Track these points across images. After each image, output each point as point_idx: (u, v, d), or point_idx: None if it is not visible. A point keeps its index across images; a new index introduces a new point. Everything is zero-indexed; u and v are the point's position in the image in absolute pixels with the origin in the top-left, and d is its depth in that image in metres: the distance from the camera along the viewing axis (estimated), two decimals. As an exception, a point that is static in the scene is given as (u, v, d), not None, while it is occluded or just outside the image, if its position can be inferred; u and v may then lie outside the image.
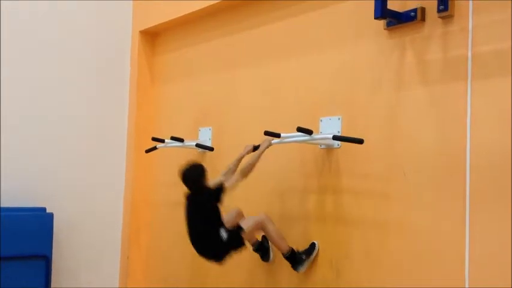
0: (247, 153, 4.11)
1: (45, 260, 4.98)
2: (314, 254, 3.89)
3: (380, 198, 3.50)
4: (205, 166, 4.04)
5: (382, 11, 3.34)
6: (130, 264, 5.69)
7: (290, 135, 3.83)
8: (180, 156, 4.90)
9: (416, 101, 3.34)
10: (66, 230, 5.38)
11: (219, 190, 3.91)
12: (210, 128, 4.96)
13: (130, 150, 5.75)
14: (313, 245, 3.91)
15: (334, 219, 3.78)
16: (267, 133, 3.85)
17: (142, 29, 5.74)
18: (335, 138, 3.57)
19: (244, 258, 4.48)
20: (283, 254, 3.93)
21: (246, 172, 3.96)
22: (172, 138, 5.02)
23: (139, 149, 5.54)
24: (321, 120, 3.89)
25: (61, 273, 5.36)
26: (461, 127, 3.08)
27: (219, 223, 3.88)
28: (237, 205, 4.58)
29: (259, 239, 4.18)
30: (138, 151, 5.57)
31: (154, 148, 5.21)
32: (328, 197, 3.85)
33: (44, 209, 5.15)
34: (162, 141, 5.13)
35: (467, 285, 3.01)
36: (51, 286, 5.06)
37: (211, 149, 4.84)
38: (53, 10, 5.46)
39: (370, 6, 3.43)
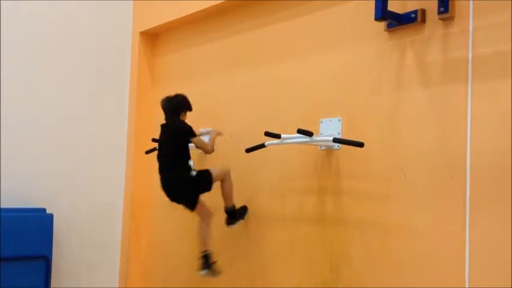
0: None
1: (45, 261, 4.97)
2: (245, 215, 4.38)
3: (380, 199, 3.51)
4: (188, 100, 4.37)
5: (382, 13, 3.35)
6: (130, 265, 5.69)
7: (290, 136, 3.83)
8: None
9: (417, 102, 3.34)
10: (66, 231, 5.38)
11: (191, 128, 4.22)
12: (210, 129, 4.96)
13: (130, 151, 5.75)
14: (246, 208, 4.40)
15: (334, 220, 3.79)
16: (267, 134, 3.86)
17: (143, 30, 5.74)
18: (335, 140, 3.57)
19: (243, 257, 4.49)
20: (227, 206, 4.32)
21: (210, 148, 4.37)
22: (172, 139, 5.01)
23: (139, 150, 5.54)
24: (321, 122, 3.90)
25: (61, 274, 5.36)
26: (461, 129, 3.08)
27: (188, 155, 4.15)
28: (237, 206, 4.60)
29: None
30: (138, 152, 5.58)
31: (154, 149, 5.18)
32: (328, 198, 3.85)
33: (43, 210, 5.15)
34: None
35: (467, 286, 3.01)
36: (51, 287, 5.05)
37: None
38: (52, 11, 5.45)
39: (371, 8, 3.43)
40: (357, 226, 3.63)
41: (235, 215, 4.37)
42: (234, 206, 4.37)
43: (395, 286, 3.36)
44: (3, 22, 5.17)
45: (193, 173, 4.13)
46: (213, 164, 4.78)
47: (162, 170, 4.24)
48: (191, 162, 4.13)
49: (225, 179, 4.33)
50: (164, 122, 4.39)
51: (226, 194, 4.34)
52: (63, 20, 5.52)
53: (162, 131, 4.37)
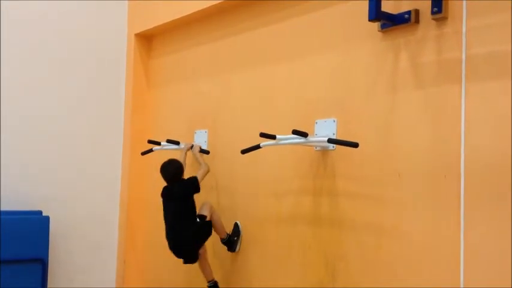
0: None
1: (41, 264, 4.97)
2: (241, 232, 4.47)
3: (375, 200, 3.51)
4: (181, 163, 4.51)
5: (376, 13, 3.35)
6: (126, 267, 5.69)
7: (285, 137, 3.83)
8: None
9: (411, 103, 3.34)
10: (63, 234, 5.37)
11: (195, 180, 4.38)
12: (206, 130, 4.97)
13: (127, 153, 5.75)
14: (236, 225, 4.49)
15: (329, 221, 3.79)
16: (262, 135, 3.86)
17: (138, 32, 5.74)
18: (330, 141, 3.57)
19: (238, 260, 4.48)
20: (222, 239, 4.46)
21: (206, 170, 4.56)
22: (168, 141, 5.02)
23: (135, 151, 5.54)
24: (316, 123, 3.90)
25: (57, 277, 5.36)
26: (455, 129, 3.08)
27: (195, 215, 4.33)
28: (233, 207, 4.60)
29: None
30: (134, 154, 5.58)
31: (150, 150, 5.21)
32: (323, 199, 3.85)
33: (40, 212, 5.15)
34: (158, 143, 5.13)
35: (462, 287, 3.01)
36: (48, 290, 5.06)
37: (207, 152, 4.84)
38: (47, 14, 5.45)
39: (365, 9, 3.43)
40: (352, 227, 3.63)
41: (232, 241, 4.48)
42: (227, 235, 4.49)
43: (391, 287, 3.36)
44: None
45: (198, 223, 4.34)
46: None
47: (169, 232, 4.38)
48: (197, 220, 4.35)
49: (212, 216, 4.44)
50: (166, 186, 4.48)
51: (218, 228, 4.47)
52: (59, 22, 5.52)
53: (167, 193, 4.44)
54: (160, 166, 4.45)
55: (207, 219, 4.37)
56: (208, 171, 4.58)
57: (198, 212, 4.41)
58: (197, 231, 4.34)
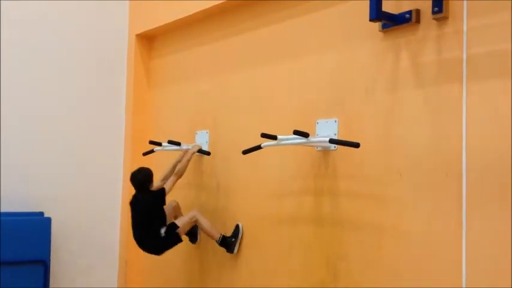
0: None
1: (43, 265, 4.97)
2: (240, 234, 4.47)
3: (376, 200, 3.51)
4: (151, 171, 4.57)
5: (377, 13, 3.35)
6: (128, 268, 5.69)
7: (286, 137, 3.83)
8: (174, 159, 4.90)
9: (412, 102, 3.35)
10: (64, 235, 5.38)
11: (162, 193, 4.46)
12: (207, 131, 4.97)
13: (128, 154, 5.75)
14: (237, 227, 4.49)
15: (331, 221, 3.79)
16: (263, 135, 3.86)
17: (139, 32, 5.75)
18: (331, 141, 3.58)
19: (241, 258, 4.49)
20: (216, 241, 4.49)
21: (179, 173, 4.59)
22: (170, 141, 5.02)
23: (136, 152, 5.54)
24: (318, 123, 3.90)
25: (59, 278, 5.36)
26: (456, 129, 3.09)
27: (162, 223, 4.41)
28: (234, 208, 4.60)
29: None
30: (136, 154, 5.57)
31: (152, 151, 5.21)
32: (325, 199, 3.85)
33: (41, 214, 5.15)
34: (159, 144, 5.14)
35: (464, 287, 3.01)
36: (50, 291, 5.06)
37: (208, 153, 4.84)
38: (48, 14, 5.46)
39: (365, 8, 3.43)
40: (354, 226, 3.63)
41: (228, 243, 4.49)
42: (221, 237, 4.50)
43: (392, 286, 3.36)
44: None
45: (163, 232, 4.39)
46: (209, 167, 4.80)
47: (135, 234, 4.52)
48: (162, 230, 4.40)
49: (197, 222, 4.53)
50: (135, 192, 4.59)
51: (208, 232, 4.55)
52: (59, 23, 5.53)
53: (134, 202, 4.55)
54: (131, 174, 4.57)
55: (179, 229, 4.44)
56: (180, 177, 4.62)
57: (170, 217, 4.54)
58: (160, 244, 4.46)
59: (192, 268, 5.02)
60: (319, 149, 3.90)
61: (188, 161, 4.66)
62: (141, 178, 4.50)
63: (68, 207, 5.46)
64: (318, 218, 3.88)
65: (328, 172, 3.83)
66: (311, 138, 3.75)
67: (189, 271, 5.05)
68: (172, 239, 4.44)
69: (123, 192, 5.75)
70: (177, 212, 4.75)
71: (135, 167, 5.65)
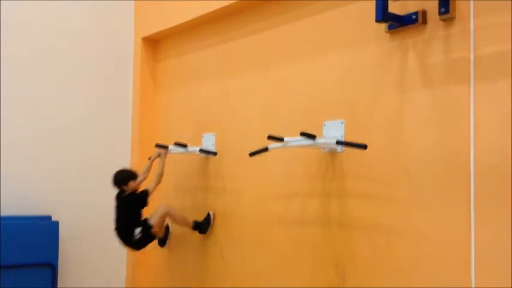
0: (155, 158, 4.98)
1: (51, 268, 4.99)
2: (212, 220, 4.85)
3: (384, 201, 3.50)
4: (134, 172, 4.79)
5: (383, 14, 3.34)
6: (136, 271, 5.70)
7: (293, 139, 3.83)
8: (183, 162, 4.92)
9: (419, 103, 3.34)
10: (72, 238, 5.40)
11: (145, 195, 4.69)
12: (214, 134, 4.97)
13: (134, 157, 5.77)
14: (208, 215, 4.85)
15: (339, 223, 3.78)
16: (270, 137, 3.86)
17: (145, 35, 5.76)
18: (338, 143, 3.57)
19: (248, 259, 4.49)
20: (191, 228, 4.85)
21: (159, 178, 4.81)
22: (176, 144, 5.03)
23: (143, 155, 5.55)
24: (324, 124, 3.90)
25: (67, 281, 5.38)
26: (464, 129, 3.08)
27: (137, 223, 4.61)
28: (243, 209, 4.60)
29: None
30: (142, 158, 5.58)
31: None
32: (332, 201, 3.85)
33: (49, 217, 5.17)
34: (166, 147, 5.15)
35: (473, 287, 3.00)
36: (58, 294, 5.08)
37: (214, 153, 4.85)
38: (53, 17, 5.48)
39: (371, 10, 3.43)
40: (362, 228, 3.62)
41: (201, 226, 4.86)
42: (194, 223, 4.85)
43: (401, 287, 3.35)
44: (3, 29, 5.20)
45: (138, 235, 4.60)
46: (216, 170, 4.81)
47: (115, 227, 4.71)
48: (137, 231, 4.59)
49: (170, 215, 4.81)
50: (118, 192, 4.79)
51: (182, 223, 4.90)
52: (65, 26, 5.55)
53: (116, 199, 4.74)
54: (112, 175, 4.78)
55: (153, 228, 4.63)
56: (160, 182, 4.81)
57: (149, 217, 4.68)
58: (136, 242, 4.63)
59: (200, 269, 5.02)
60: (326, 150, 3.89)
61: (163, 163, 4.89)
62: (114, 179, 4.73)
63: (75, 210, 5.47)
64: (326, 219, 3.88)
65: (335, 174, 3.83)
66: (318, 140, 3.75)
67: (197, 273, 5.05)
68: (146, 237, 4.65)
69: (130, 195, 5.76)
70: (172, 216, 4.91)
71: (141, 170, 5.69)
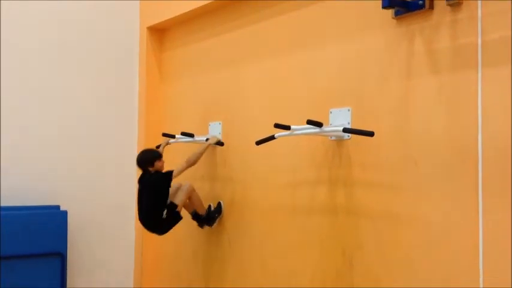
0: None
1: (60, 258, 5.03)
2: (222, 212, 4.80)
3: (391, 189, 3.49)
4: (159, 151, 4.80)
5: (389, 1, 3.32)
6: (144, 260, 5.73)
7: (300, 127, 3.82)
8: (190, 151, 4.91)
9: (426, 90, 3.32)
10: (81, 228, 5.43)
11: (171, 174, 4.53)
12: (220, 122, 4.97)
13: (141, 146, 5.77)
14: (219, 204, 4.81)
15: (346, 211, 3.78)
16: (276, 126, 3.85)
17: (150, 25, 5.75)
18: (345, 130, 3.56)
19: (256, 248, 4.50)
20: (201, 214, 4.75)
21: (191, 162, 4.63)
22: (183, 133, 5.04)
23: (150, 145, 5.55)
24: (331, 112, 3.88)
25: (76, 271, 5.42)
26: (472, 116, 3.05)
27: (164, 205, 4.52)
28: (250, 198, 4.60)
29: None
30: (149, 146, 5.58)
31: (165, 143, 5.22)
32: (339, 189, 3.84)
33: (58, 207, 5.20)
34: (173, 136, 5.15)
35: (481, 276, 2.99)
36: (67, 283, 5.11)
37: (221, 144, 4.85)
38: (59, 9, 5.47)
39: (378, -4, 3.41)
40: (369, 216, 3.62)
41: (210, 217, 4.79)
42: (207, 211, 4.79)
43: (408, 275, 3.35)
44: (10, 19, 5.20)
45: (164, 214, 4.53)
46: (223, 159, 4.80)
47: (140, 212, 4.65)
48: (164, 212, 4.53)
49: (191, 196, 4.69)
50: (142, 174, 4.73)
51: (197, 206, 4.75)
52: (70, 17, 5.55)
53: (140, 182, 4.69)
54: (137, 155, 4.78)
55: (179, 208, 4.56)
56: (191, 165, 4.66)
57: (173, 197, 4.59)
58: (163, 222, 4.56)
59: (207, 258, 5.04)
60: (332, 138, 3.88)
61: (202, 152, 4.71)
62: (139, 159, 4.68)
63: (83, 200, 5.50)
64: (333, 207, 3.87)
65: (342, 161, 3.82)
66: (324, 128, 3.73)
67: (205, 262, 5.07)
68: (173, 218, 4.58)
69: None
70: (193, 195, 4.77)
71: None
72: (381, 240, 3.54)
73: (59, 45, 5.48)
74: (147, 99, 5.79)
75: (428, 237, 3.27)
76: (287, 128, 3.84)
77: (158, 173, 4.59)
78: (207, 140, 4.82)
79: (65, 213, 5.11)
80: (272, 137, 3.98)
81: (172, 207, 4.55)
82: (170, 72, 5.78)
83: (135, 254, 5.80)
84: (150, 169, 4.59)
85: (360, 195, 3.69)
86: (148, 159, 4.62)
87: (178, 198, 4.58)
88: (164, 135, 5.24)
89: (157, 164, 4.60)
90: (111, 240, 5.67)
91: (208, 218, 4.78)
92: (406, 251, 3.39)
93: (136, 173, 5.75)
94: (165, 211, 4.51)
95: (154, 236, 4.82)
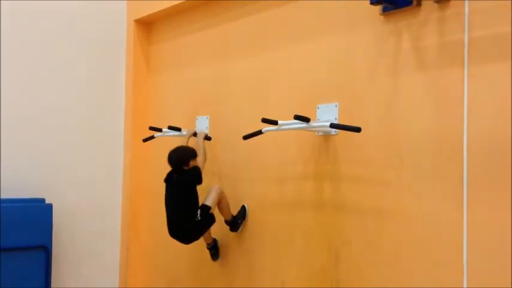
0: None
1: (45, 251, 4.99)
2: (247, 216, 4.45)
3: (378, 184, 3.52)
4: (188, 150, 4.41)
5: (378, -3, 3.34)
6: (130, 253, 5.71)
7: (287, 122, 3.82)
8: (177, 146, 4.88)
9: (413, 86, 3.34)
10: (66, 221, 5.39)
11: (198, 171, 4.30)
12: (207, 116, 4.96)
13: (128, 140, 5.75)
14: (243, 208, 4.46)
15: (333, 206, 3.80)
16: (264, 120, 3.86)
17: (137, 18, 5.71)
18: (332, 126, 3.57)
19: (242, 243, 4.50)
20: (226, 219, 4.45)
21: (203, 160, 4.49)
22: (170, 127, 5.02)
23: (136, 138, 5.55)
24: (318, 107, 3.89)
25: (61, 264, 5.38)
26: (458, 112, 3.08)
27: (198, 206, 4.26)
28: (237, 193, 4.60)
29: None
30: (136, 140, 5.58)
31: (152, 137, 5.21)
32: (326, 184, 3.86)
33: (43, 200, 5.16)
34: (160, 130, 5.13)
35: (465, 271, 3.03)
36: (52, 276, 5.08)
37: (209, 138, 4.84)
38: (45, 1, 5.41)
39: (366, -8, 3.42)
40: (355, 211, 3.64)
41: (236, 222, 4.46)
42: (232, 216, 4.47)
43: (394, 270, 3.38)
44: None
45: (198, 216, 4.24)
46: (210, 153, 4.80)
47: (170, 217, 4.34)
48: (198, 213, 4.24)
49: (220, 200, 4.40)
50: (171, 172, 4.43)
51: (224, 211, 4.46)
52: (57, 10, 5.48)
53: (167, 182, 4.39)
54: (168, 153, 4.40)
55: (212, 209, 4.29)
56: (205, 161, 4.53)
57: (204, 200, 4.33)
58: (197, 224, 4.27)
59: (193, 253, 5.03)
60: (320, 133, 3.89)
61: (202, 147, 4.57)
62: (175, 158, 4.31)
63: (69, 193, 5.46)
64: (320, 202, 3.89)
65: (329, 157, 3.84)
66: (312, 123, 3.74)
67: (191, 255, 5.07)
68: (207, 220, 4.28)
69: (123, 177, 5.76)
70: (222, 198, 4.47)
71: (135, 153, 5.70)
72: (367, 235, 3.56)
73: (45, 37, 5.41)
74: (134, 92, 5.76)
75: (414, 231, 3.30)
76: (274, 122, 3.84)
77: (188, 171, 4.30)
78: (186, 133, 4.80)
79: (50, 206, 5.07)
80: (259, 132, 3.98)
81: (206, 208, 4.25)
82: (157, 66, 5.76)
83: (121, 248, 5.77)
84: (185, 169, 4.28)
85: (347, 190, 3.71)
86: (185, 158, 4.28)
87: (210, 199, 4.30)
88: (151, 128, 5.21)
89: (192, 163, 4.32)
90: (96, 234, 5.64)
91: (232, 223, 4.47)
92: (392, 245, 3.41)
93: (122, 165, 5.77)
94: (199, 212, 4.21)
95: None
